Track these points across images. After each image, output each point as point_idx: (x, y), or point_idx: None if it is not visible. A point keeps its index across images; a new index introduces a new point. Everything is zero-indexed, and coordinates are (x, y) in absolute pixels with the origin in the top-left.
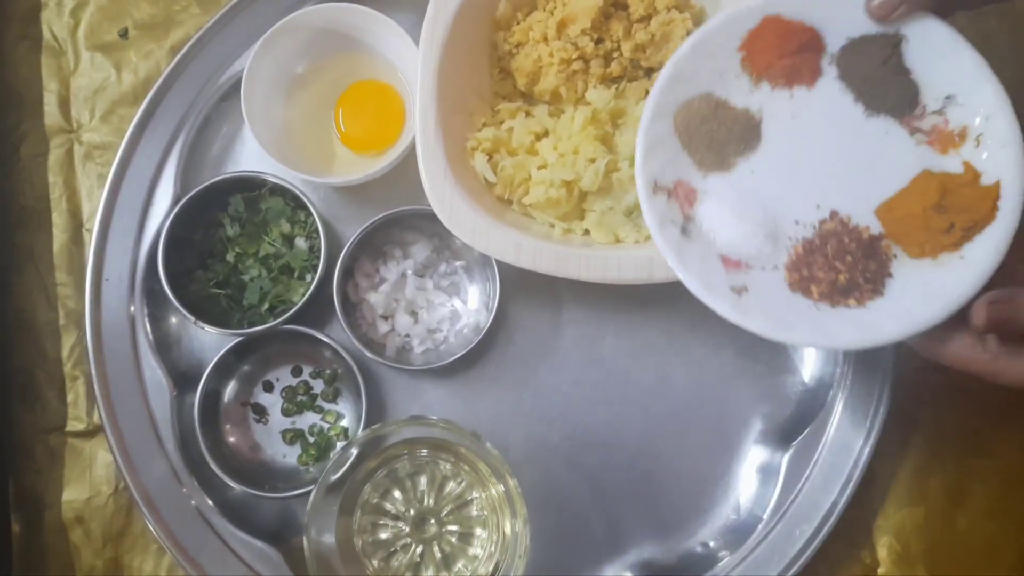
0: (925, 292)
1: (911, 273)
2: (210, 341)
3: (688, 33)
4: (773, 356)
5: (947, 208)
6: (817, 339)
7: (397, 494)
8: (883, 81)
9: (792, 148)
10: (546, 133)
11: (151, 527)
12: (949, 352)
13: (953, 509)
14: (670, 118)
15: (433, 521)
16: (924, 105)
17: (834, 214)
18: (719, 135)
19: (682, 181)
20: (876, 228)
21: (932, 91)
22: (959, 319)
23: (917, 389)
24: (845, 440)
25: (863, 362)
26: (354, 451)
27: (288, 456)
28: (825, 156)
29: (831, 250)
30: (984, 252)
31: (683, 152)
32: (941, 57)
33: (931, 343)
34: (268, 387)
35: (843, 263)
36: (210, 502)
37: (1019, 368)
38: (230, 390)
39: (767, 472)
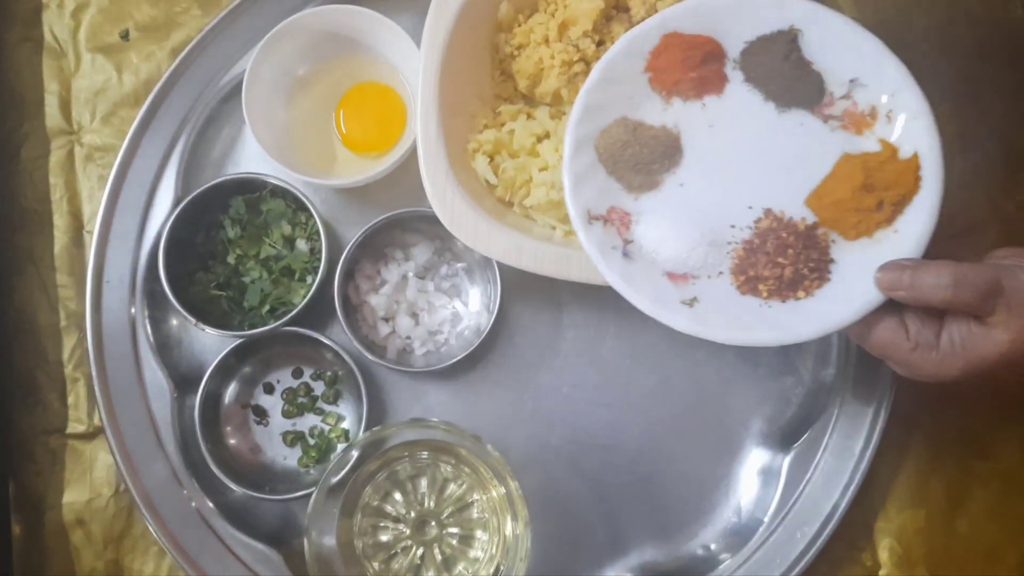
0: (869, 271)
1: (852, 255)
2: (211, 343)
3: None
4: (774, 359)
5: (873, 186)
6: (777, 336)
7: (398, 496)
8: (788, 76)
9: (715, 156)
10: (547, 135)
11: (152, 529)
12: (874, 336)
13: (953, 511)
14: (591, 148)
15: (434, 523)
16: (831, 92)
17: (768, 212)
18: (642, 156)
19: (615, 207)
20: (810, 218)
21: (836, 77)
22: (889, 306)
23: (918, 391)
24: (846, 443)
25: (864, 365)
26: (355, 453)
27: (289, 458)
28: (748, 157)
29: (771, 247)
30: (917, 222)
31: (610, 178)
32: (838, 44)
33: (859, 328)
34: (269, 389)
35: (785, 257)
36: (211, 504)
37: (933, 362)
38: (231, 392)
39: (768, 474)
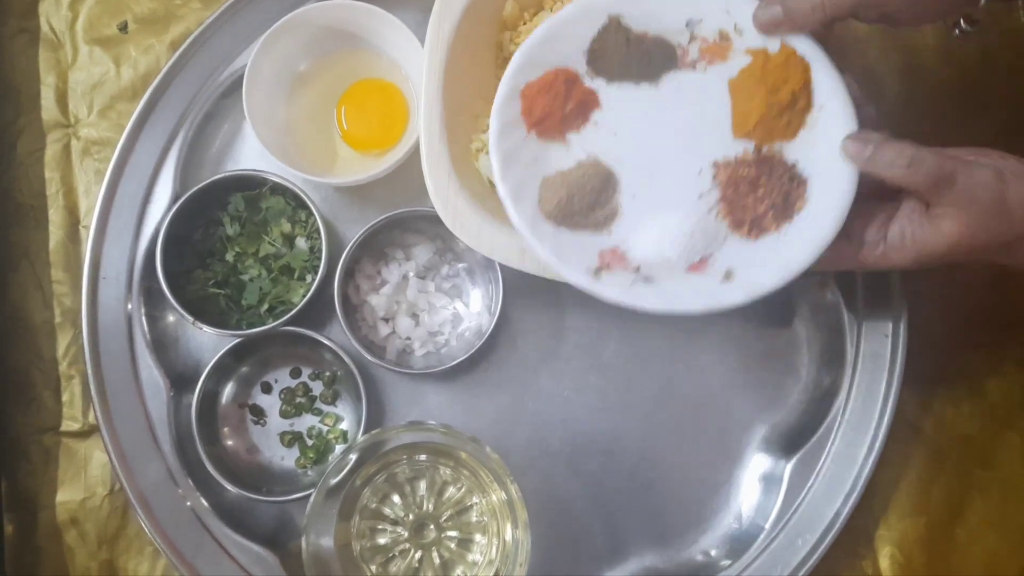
0: (830, 151)
1: (805, 148)
2: (208, 341)
3: None
4: (777, 364)
5: (775, 87)
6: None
7: (396, 499)
8: (637, 55)
9: (639, 153)
10: None
11: (146, 529)
12: (823, 256)
13: (954, 520)
14: (542, 221)
15: (432, 527)
16: (679, 44)
17: (715, 164)
18: (586, 199)
19: (602, 251)
20: (750, 146)
21: (673, 30)
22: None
23: (921, 399)
24: (848, 450)
25: (868, 372)
26: (353, 456)
27: (286, 459)
28: (664, 137)
29: (744, 188)
30: (830, 92)
31: (576, 234)
32: (653, 5)
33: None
34: (266, 388)
35: (761, 186)
36: (206, 504)
37: (876, 253)
38: (228, 391)
39: (770, 481)
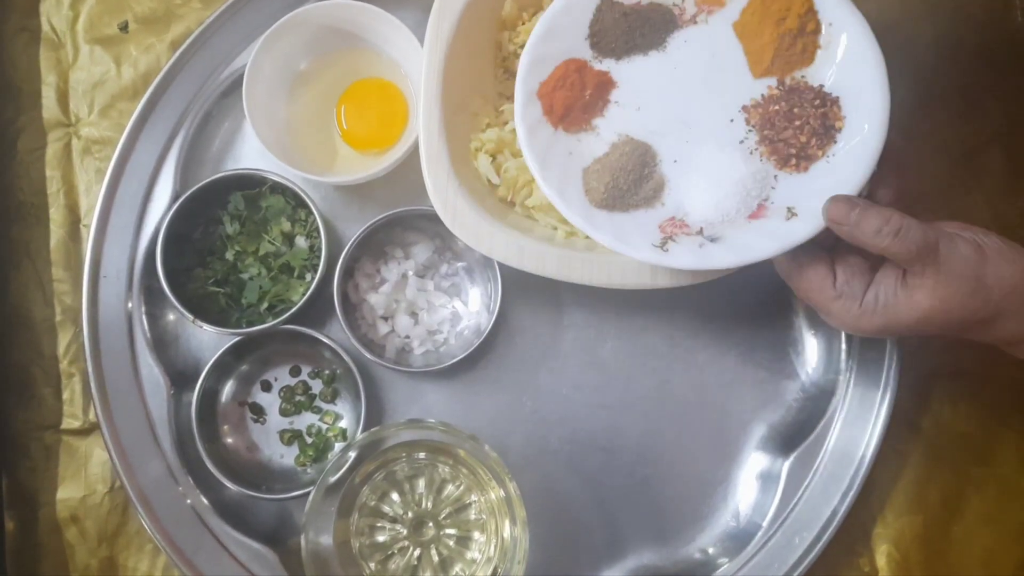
0: (853, 65)
1: (826, 69)
2: (208, 340)
3: None
4: (775, 362)
5: (782, 17)
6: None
7: (395, 497)
8: (637, 26)
9: (671, 123)
10: None
11: (146, 526)
12: (802, 277)
13: (951, 518)
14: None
15: (431, 524)
16: (674, 4)
17: (745, 108)
18: (627, 185)
19: (662, 224)
20: (773, 82)
21: None
22: (823, 252)
23: (918, 397)
24: (846, 448)
25: (865, 370)
26: (352, 454)
27: (286, 456)
28: (689, 98)
29: (780, 122)
30: (836, 10)
31: (626, 215)
32: None
33: (790, 266)
34: (266, 387)
35: (796, 117)
36: (206, 502)
37: (853, 314)
38: (228, 389)
39: (767, 479)
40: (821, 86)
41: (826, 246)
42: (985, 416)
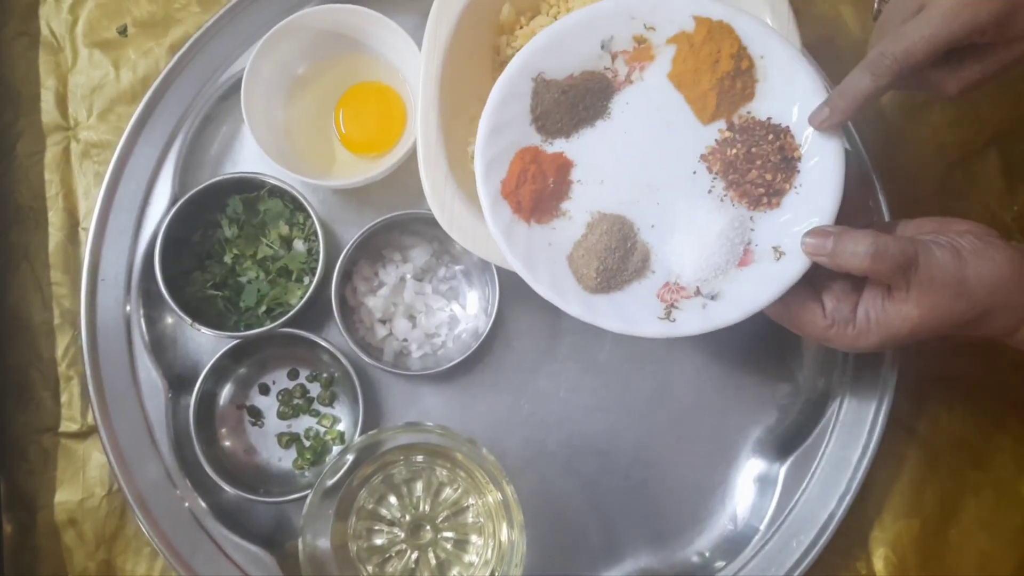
0: (791, 92)
1: (769, 100)
2: (206, 343)
3: None
4: (772, 366)
5: (715, 61)
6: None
7: (393, 500)
8: (575, 100)
9: (635, 189)
10: None
11: (144, 530)
12: (792, 315)
13: (948, 521)
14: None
15: (429, 527)
16: (605, 68)
17: (703, 157)
18: (615, 263)
19: (659, 292)
20: (723, 124)
21: (594, 60)
22: (806, 285)
23: (915, 401)
24: (843, 452)
25: (862, 374)
26: (350, 457)
27: (283, 460)
28: (646, 159)
29: (741, 165)
30: (763, 42)
31: (618, 296)
32: (565, 48)
33: (778, 308)
34: (264, 390)
35: (753, 155)
36: (204, 505)
37: (850, 336)
38: (226, 392)
39: (764, 482)
40: (769, 119)
41: (807, 278)
42: (982, 420)
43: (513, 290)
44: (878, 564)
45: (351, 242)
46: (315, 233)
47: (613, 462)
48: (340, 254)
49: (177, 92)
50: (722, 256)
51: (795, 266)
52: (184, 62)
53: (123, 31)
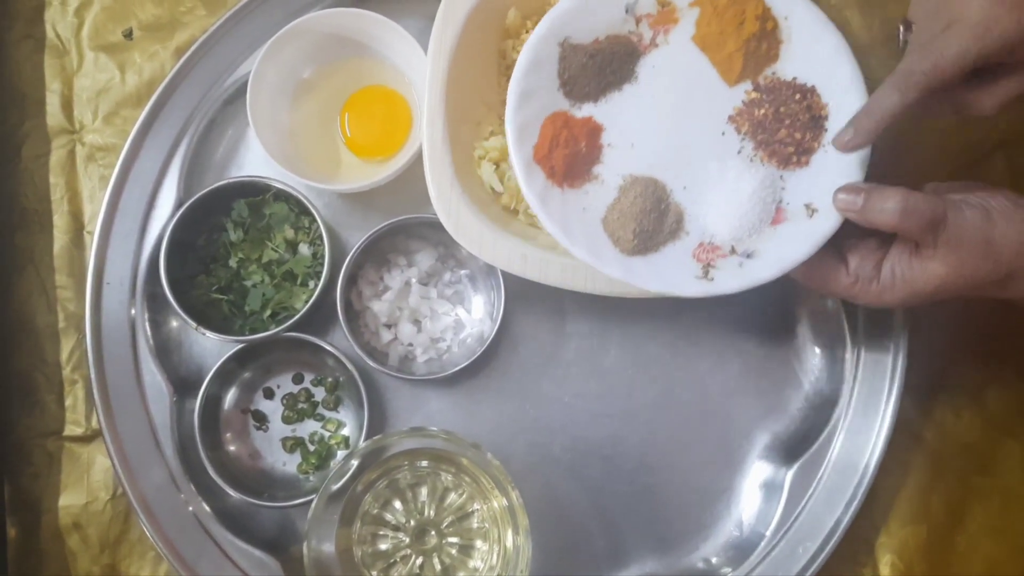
0: (817, 51)
1: (794, 60)
2: (211, 347)
3: None
4: (778, 371)
5: (740, 23)
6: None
7: (398, 505)
8: (602, 63)
9: (666, 152)
10: None
11: (149, 534)
12: (817, 275)
13: (954, 527)
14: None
15: (433, 533)
16: (630, 33)
17: (731, 118)
18: (651, 225)
19: (695, 252)
20: (748, 85)
21: (619, 25)
22: (829, 245)
23: (922, 407)
24: (849, 458)
25: (869, 380)
26: (355, 462)
27: (288, 464)
28: (676, 120)
29: (769, 126)
30: (787, 2)
31: (650, 256)
32: (591, 12)
33: (801, 269)
34: (269, 394)
35: (782, 114)
36: (208, 509)
37: (873, 293)
38: (231, 397)
39: (771, 488)
40: (795, 79)
41: (831, 239)
42: (988, 426)
43: (518, 295)
44: (885, 571)
45: (356, 246)
46: (320, 237)
47: (618, 467)
48: (345, 258)
49: (182, 96)
50: (755, 215)
51: (828, 223)
52: (189, 66)
53: (128, 34)
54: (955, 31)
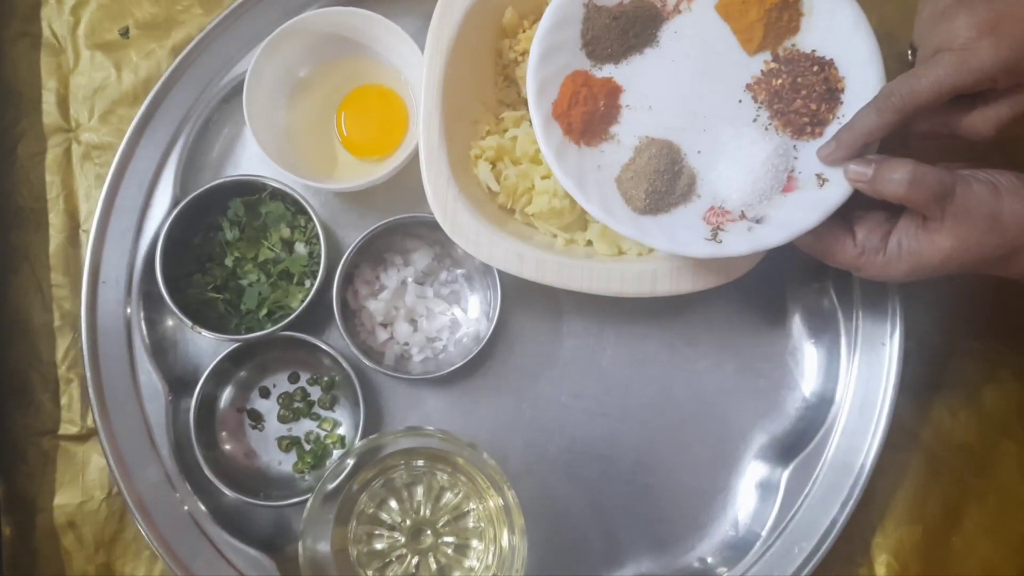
0: (837, 26)
1: (814, 34)
2: (207, 346)
3: None
4: (775, 371)
5: None
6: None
7: (393, 504)
8: (626, 26)
9: (683, 116)
10: None
11: (144, 533)
12: (824, 245)
13: (950, 528)
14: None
15: (429, 532)
16: (663, 4)
17: (749, 87)
18: (663, 186)
19: (705, 215)
20: (768, 56)
21: None
22: (836, 216)
23: (918, 407)
24: (845, 458)
25: (865, 379)
26: (351, 461)
27: (284, 463)
28: (693, 88)
29: (785, 95)
30: None
31: (664, 215)
32: None
33: (809, 238)
34: (265, 393)
35: (799, 85)
36: (204, 509)
37: (879, 264)
38: (226, 396)
39: (766, 488)
40: (814, 51)
41: (839, 211)
42: (985, 426)
43: (515, 294)
44: (880, 571)
45: (353, 245)
46: (316, 236)
47: (614, 467)
48: (341, 257)
49: (179, 94)
50: (767, 182)
51: (838, 192)
52: (186, 64)
53: (125, 33)
54: (936, 59)
